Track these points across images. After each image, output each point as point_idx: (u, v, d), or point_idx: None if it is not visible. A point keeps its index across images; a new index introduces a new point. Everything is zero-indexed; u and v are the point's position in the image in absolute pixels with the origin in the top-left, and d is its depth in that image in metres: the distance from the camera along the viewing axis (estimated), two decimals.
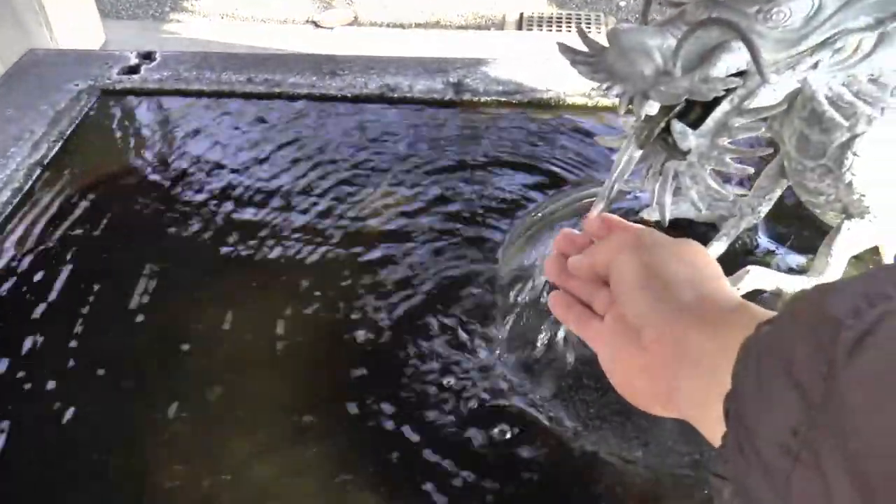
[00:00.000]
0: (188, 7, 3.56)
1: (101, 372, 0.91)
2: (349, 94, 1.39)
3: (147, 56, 1.51)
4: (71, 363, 0.92)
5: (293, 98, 1.40)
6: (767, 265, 0.90)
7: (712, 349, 0.36)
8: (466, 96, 1.38)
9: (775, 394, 0.28)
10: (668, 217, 0.74)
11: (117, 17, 3.45)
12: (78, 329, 0.97)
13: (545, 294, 0.94)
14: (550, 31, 3.14)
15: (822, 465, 0.25)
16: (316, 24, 3.31)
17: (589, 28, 3.15)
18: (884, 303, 0.26)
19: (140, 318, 0.98)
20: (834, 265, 0.81)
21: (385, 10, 3.44)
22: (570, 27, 3.15)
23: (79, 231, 1.12)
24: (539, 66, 1.42)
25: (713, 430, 0.35)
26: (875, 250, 0.84)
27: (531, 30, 3.18)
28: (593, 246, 0.48)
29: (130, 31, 3.13)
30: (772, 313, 0.34)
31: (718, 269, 0.43)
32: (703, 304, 0.39)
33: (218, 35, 3.06)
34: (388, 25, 3.35)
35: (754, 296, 0.83)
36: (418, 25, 3.35)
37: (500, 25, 3.31)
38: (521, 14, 3.31)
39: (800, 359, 0.27)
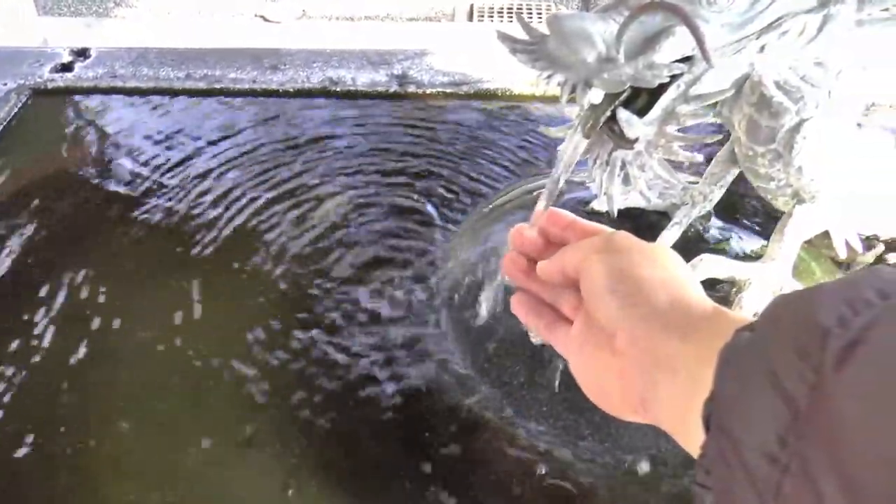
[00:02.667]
0: (132, 2, 3.46)
1: (41, 384, 0.87)
2: (291, 89, 1.35)
3: (81, 53, 1.45)
4: (6, 375, 0.88)
5: (234, 94, 1.35)
6: (722, 252, 0.89)
7: (688, 355, 0.35)
8: (411, 88, 1.35)
9: (759, 401, 0.28)
10: (616, 208, 0.73)
11: (59, 14, 3.34)
12: (13, 338, 0.92)
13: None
14: (502, 21, 3.12)
15: (812, 474, 0.25)
16: (264, 18, 3.24)
17: (540, 18, 3.14)
18: (867, 310, 0.26)
19: (78, 325, 0.94)
20: (786, 250, 0.80)
21: (334, 2, 3.39)
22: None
23: (9, 237, 1.07)
24: (485, 56, 1.39)
25: (689, 437, 0.33)
26: (826, 234, 0.83)
27: (482, 21, 3.16)
28: (562, 249, 0.46)
29: (71, 28, 3.02)
30: (749, 319, 0.33)
31: (691, 273, 0.42)
32: (677, 309, 0.38)
33: (163, 30, 2.97)
34: (337, 18, 3.29)
35: (710, 284, 0.82)
36: (368, 18, 3.31)
37: (451, 17, 3.29)
38: (472, 5, 3.28)
39: (783, 366, 0.27)
